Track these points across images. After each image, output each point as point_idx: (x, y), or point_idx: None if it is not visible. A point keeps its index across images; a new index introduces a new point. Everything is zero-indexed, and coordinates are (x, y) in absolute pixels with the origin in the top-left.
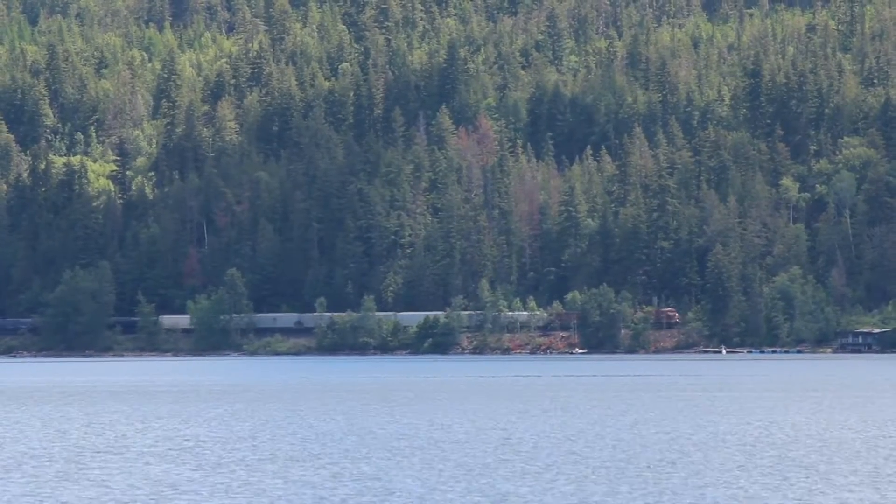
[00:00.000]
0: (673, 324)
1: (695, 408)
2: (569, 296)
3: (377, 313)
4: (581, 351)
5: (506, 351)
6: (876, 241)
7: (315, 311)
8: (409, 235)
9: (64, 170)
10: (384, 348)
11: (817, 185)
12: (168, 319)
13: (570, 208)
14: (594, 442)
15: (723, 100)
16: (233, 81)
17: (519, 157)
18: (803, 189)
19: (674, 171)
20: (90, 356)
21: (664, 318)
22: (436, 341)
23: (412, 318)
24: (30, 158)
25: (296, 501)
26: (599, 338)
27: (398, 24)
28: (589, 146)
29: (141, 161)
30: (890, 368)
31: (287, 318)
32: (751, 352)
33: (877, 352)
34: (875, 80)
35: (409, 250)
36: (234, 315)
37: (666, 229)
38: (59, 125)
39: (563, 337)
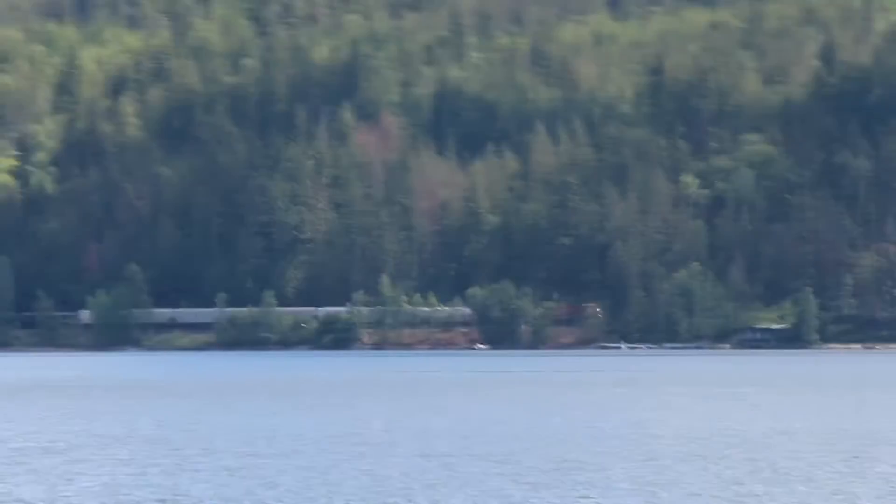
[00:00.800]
0: (574, 319)
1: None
2: (470, 291)
3: (277, 308)
4: (483, 347)
5: (406, 346)
6: (775, 238)
7: (216, 307)
8: (311, 231)
9: None
10: (285, 344)
11: (717, 182)
12: (85, 314)
13: (472, 204)
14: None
15: (625, 97)
16: (135, 76)
17: (421, 154)
18: (703, 186)
19: (575, 167)
20: None
21: (565, 314)
22: (336, 337)
23: (313, 314)
24: None
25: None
26: (500, 333)
27: (301, 19)
28: (491, 143)
29: (41, 156)
30: (786, 365)
31: (187, 314)
32: (650, 347)
33: (775, 348)
34: (776, 78)
35: (309, 246)
36: (134, 310)
37: (567, 225)
38: None
39: (463, 333)
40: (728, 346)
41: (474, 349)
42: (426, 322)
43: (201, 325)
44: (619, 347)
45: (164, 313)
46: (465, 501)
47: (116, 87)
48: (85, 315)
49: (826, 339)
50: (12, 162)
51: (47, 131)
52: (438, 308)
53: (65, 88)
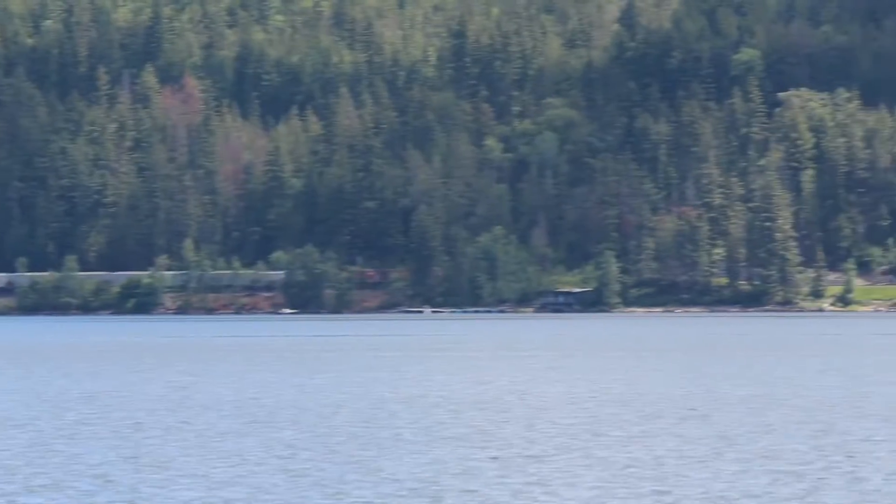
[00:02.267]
0: (378, 284)
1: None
2: (274, 256)
3: (79, 273)
4: (290, 311)
5: (210, 311)
6: (577, 202)
7: (17, 272)
8: (113, 195)
9: None
10: (86, 308)
11: (520, 146)
12: None
13: (276, 168)
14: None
15: (428, 60)
16: None
17: (224, 117)
18: (507, 150)
19: (379, 131)
20: None
21: (369, 278)
22: (139, 301)
23: (115, 279)
24: None
25: None
26: (304, 298)
27: None
28: (295, 106)
29: None
30: (589, 327)
31: None
32: (454, 311)
33: (578, 311)
34: (578, 42)
35: (112, 210)
36: None
37: (371, 189)
38: None
39: (267, 297)
40: (531, 309)
41: (279, 314)
42: (230, 286)
43: (2, 290)
44: (422, 311)
45: None
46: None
47: None
48: None
49: (628, 303)
50: None
51: None
52: (242, 272)
53: None
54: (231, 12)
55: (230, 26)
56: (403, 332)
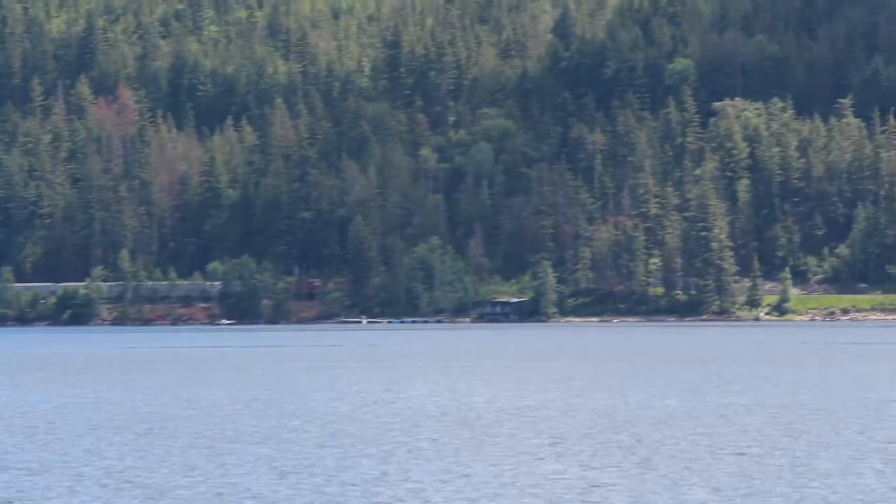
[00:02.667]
0: (315, 294)
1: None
2: (210, 266)
3: (15, 284)
4: (228, 322)
5: (146, 322)
6: (513, 212)
7: None
8: (49, 206)
9: None
10: (22, 320)
11: (456, 156)
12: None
13: (211, 179)
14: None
15: (363, 70)
16: None
17: (159, 128)
18: (442, 160)
19: (315, 141)
20: None
21: (306, 289)
22: (75, 312)
23: (51, 290)
24: None
25: None
26: (241, 308)
27: None
28: (230, 117)
29: None
30: (525, 337)
31: None
32: (391, 322)
33: (514, 321)
34: (512, 52)
35: (48, 221)
36: None
37: (307, 200)
38: None
39: (203, 308)
40: (468, 319)
41: (217, 324)
42: (166, 297)
43: None
44: (359, 322)
45: None
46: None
47: None
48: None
49: (564, 313)
50: None
51: None
52: (178, 283)
53: None
54: (165, 23)
55: (164, 37)
56: (314, 343)
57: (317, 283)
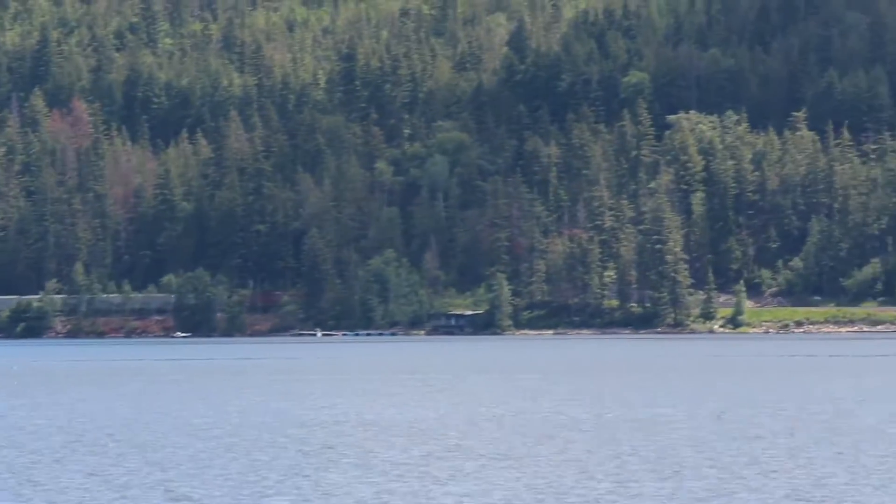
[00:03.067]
0: (270, 307)
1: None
2: (164, 279)
3: None
4: (183, 335)
5: (100, 335)
6: (468, 225)
7: None
8: (2, 219)
9: None
10: None
11: (411, 169)
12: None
13: (166, 192)
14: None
15: (318, 83)
16: None
17: (114, 140)
18: (397, 173)
19: (270, 154)
20: None
21: (261, 302)
22: (29, 325)
23: (4, 303)
24: None
25: None
26: (195, 321)
27: None
28: (185, 129)
29: None
30: (479, 350)
31: None
32: (346, 334)
33: (469, 334)
34: (467, 65)
35: (1, 233)
36: None
37: (262, 212)
38: None
39: (158, 320)
40: (423, 332)
41: (172, 337)
42: (120, 310)
43: None
44: (314, 334)
45: None
46: None
47: None
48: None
49: (519, 326)
50: None
51: None
52: (132, 296)
53: None
54: (119, 36)
55: (118, 49)
56: (260, 356)
57: (271, 296)
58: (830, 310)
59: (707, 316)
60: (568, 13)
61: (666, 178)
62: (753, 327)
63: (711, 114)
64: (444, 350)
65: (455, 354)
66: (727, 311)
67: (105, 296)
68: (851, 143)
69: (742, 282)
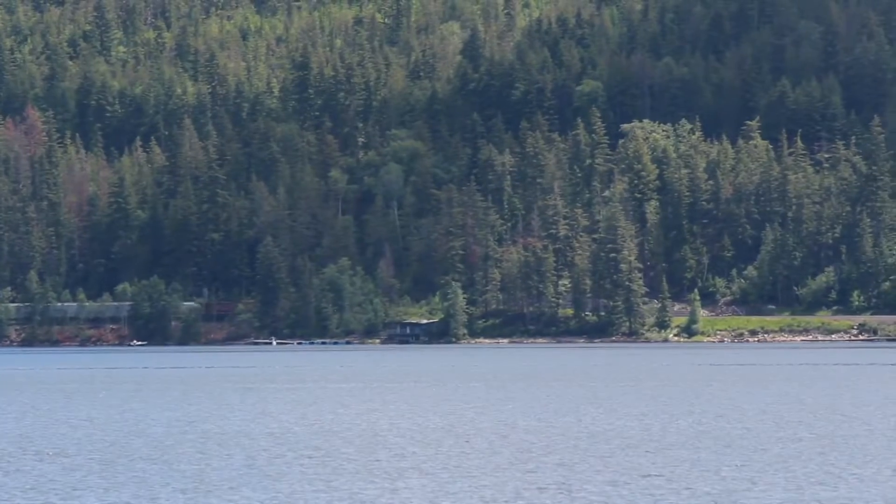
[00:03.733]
0: (225, 315)
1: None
2: (119, 287)
3: None
4: (139, 343)
5: (55, 343)
6: (423, 233)
7: None
8: None
9: None
10: None
11: (365, 177)
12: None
13: (120, 200)
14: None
15: (272, 92)
16: None
17: (68, 149)
18: (352, 181)
19: (224, 162)
20: None
21: (215, 310)
22: None
23: None
24: None
25: None
26: (150, 330)
27: None
28: (139, 137)
29: None
30: (434, 358)
31: None
32: (301, 343)
33: (424, 343)
34: (421, 74)
35: None
36: None
37: (216, 221)
38: None
39: (113, 329)
40: (378, 340)
41: (127, 346)
42: (75, 318)
43: None
44: (270, 343)
45: None
46: None
47: None
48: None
49: (474, 334)
50: None
51: None
52: (87, 304)
53: None
54: (73, 44)
55: (72, 58)
56: (209, 365)
57: (226, 304)
58: (785, 318)
59: (662, 325)
60: (521, 22)
61: (620, 186)
62: (708, 336)
63: (665, 122)
64: (386, 359)
65: (396, 363)
66: (682, 320)
67: (60, 304)
68: (805, 152)
69: (696, 290)
